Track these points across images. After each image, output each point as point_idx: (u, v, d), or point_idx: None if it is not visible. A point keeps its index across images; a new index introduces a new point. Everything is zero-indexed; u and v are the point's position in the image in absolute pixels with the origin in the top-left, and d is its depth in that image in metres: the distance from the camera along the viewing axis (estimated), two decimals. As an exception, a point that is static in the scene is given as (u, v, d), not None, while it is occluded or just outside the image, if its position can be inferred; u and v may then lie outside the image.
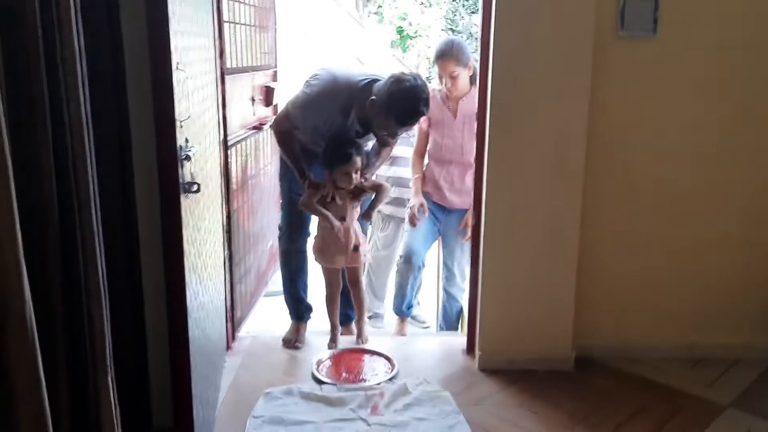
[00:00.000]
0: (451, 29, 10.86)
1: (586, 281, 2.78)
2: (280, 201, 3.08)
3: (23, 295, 1.09)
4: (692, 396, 2.59)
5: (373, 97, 2.61)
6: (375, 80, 2.69)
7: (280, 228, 3.07)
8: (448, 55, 3.12)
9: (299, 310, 3.08)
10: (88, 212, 1.32)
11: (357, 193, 2.80)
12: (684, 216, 2.80)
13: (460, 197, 3.30)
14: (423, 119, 3.14)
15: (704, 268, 2.85)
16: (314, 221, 2.93)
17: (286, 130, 2.79)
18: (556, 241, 2.71)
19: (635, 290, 2.87)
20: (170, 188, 1.70)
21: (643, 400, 2.56)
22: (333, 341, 2.97)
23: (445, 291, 3.57)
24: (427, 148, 3.36)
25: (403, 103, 2.56)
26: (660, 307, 2.88)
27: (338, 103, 2.67)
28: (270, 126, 3.15)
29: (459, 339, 3.06)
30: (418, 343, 3.16)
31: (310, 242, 3.00)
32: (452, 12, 10.70)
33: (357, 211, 2.86)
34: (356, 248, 2.85)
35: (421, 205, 3.26)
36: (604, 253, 2.82)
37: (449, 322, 3.57)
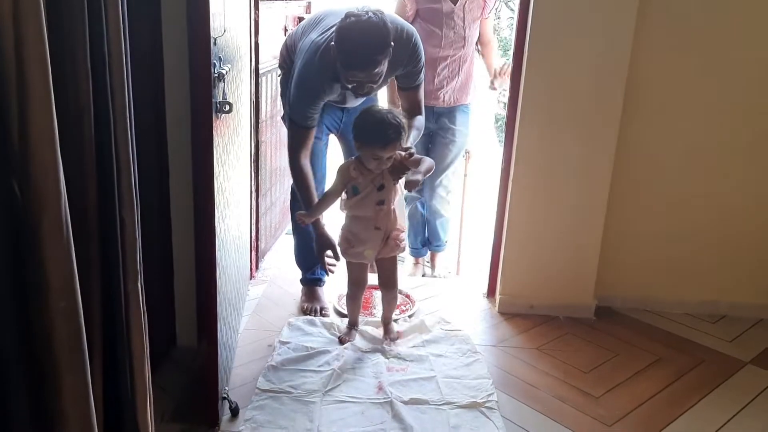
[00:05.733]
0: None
1: (613, 232, 2.76)
2: None
3: (60, 193, 1.09)
4: (712, 350, 2.58)
5: (332, 42, 2.18)
6: None
7: (293, 187, 2.65)
8: None
9: (315, 271, 2.81)
10: (122, 121, 1.31)
11: (398, 170, 2.26)
12: (715, 173, 2.75)
13: (456, 94, 3.04)
14: (411, 6, 2.92)
15: (731, 227, 2.81)
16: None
17: (297, 152, 2.37)
18: (585, 189, 2.67)
19: (661, 245, 2.83)
20: (203, 103, 1.68)
21: (663, 352, 2.56)
22: (347, 335, 2.52)
23: (426, 204, 3.25)
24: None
25: (343, 43, 2.13)
26: (685, 264, 2.85)
27: (327, 70, 2.26)
28: None
29: (479, 282, 3.05)
30: (437, 285, 3.17)
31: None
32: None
33: (398, 191, 2.35)
34: (389, 237, 2.38)
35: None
36: (632, 205, 2.78)
37: (435, 237, 3.36)
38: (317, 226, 2.44)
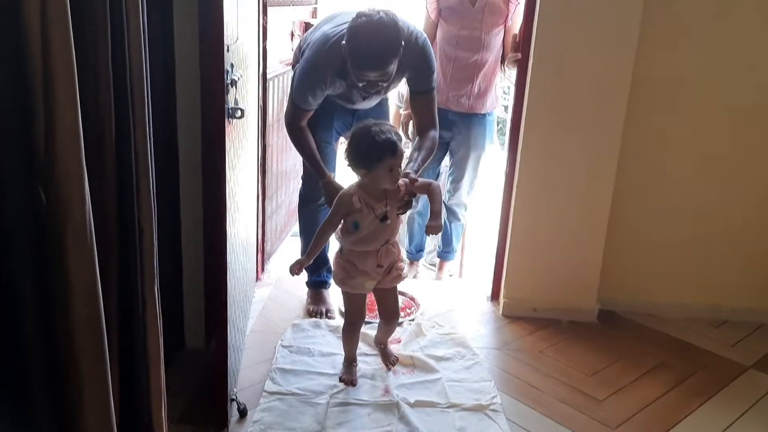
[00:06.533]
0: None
1: (616, 236, 2.78)
2: None
3: (84, 200, 1.11)
4: (714, 355, 2.61)
5: (344, 42, 2.21)
6: None
7: (303, 179, 2.73)
8: None
9: (321, 274, 2.82)
10: (142, 130, 1.33)
11: (406, 201, 2.15)
12: (718, 177, 2.77)
13: (473, 101, 3.04)
14: (432, 6, 2.96)
15: (734, 232, 2.83)
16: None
17: (293, 123, 2.45)
18: (589, 193, 2.70)
19: (664, 249, 2.86)
20: (216, 109, 1.70)
21: (665, 356, 2.58)
22: (348, 375, 2.30)
23: (445, 206, 3.20)
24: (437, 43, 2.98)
25: (354, 42, 2.14)
26: (687, 268, 2.88)
27: (334, 64, 2.28)
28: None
29: (483, 285, 3.08)
30: (442, 288, 3.20)
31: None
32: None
33: (400, 221, 2.27)
34: (392, 268, 2.25)
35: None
36: (636, 209, 2.81)
37: (447, 242, 3.38)
38: (323, 174, 2.45)
